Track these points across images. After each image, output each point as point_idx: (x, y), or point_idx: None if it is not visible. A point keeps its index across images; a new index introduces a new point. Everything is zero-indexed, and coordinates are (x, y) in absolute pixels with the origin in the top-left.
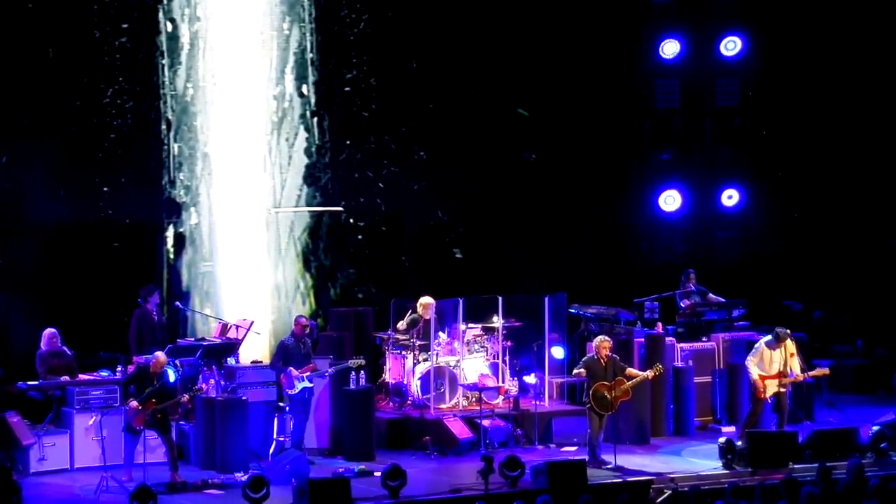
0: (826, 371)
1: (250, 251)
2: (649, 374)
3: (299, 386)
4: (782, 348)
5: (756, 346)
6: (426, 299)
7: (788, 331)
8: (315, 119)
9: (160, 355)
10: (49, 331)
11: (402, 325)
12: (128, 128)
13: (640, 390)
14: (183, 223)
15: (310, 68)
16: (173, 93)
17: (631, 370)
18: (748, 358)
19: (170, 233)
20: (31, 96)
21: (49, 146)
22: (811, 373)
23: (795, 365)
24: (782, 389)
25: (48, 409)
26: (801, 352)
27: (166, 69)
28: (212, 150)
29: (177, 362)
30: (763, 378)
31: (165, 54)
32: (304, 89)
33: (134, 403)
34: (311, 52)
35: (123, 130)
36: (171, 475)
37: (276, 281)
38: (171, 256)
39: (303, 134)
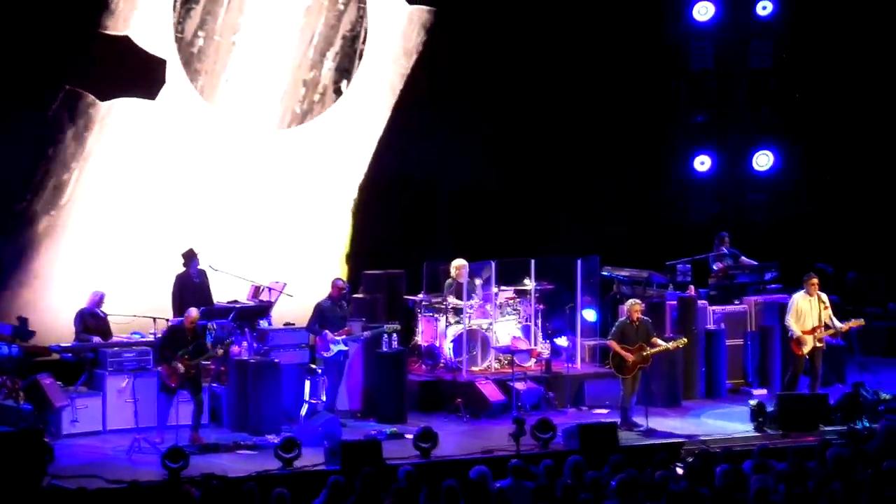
0: (861, 321)
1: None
2: (671, 345)
3: (335, 349)
4: (815, 301)
5: (790, 302)
6: (459, 261)
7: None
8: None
9: (192, 311)
10: (99, 292)
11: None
12: None
13: (672, 353)
14: None
15: (356, 60)
16: (180, 35)
17: (656, 339)
18: (786, 317)
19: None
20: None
21: None
22: (848, 323)
23: (832, 316)
24: (819, 345)
25: (81, 371)
26: (835, 313)
27: (178, 5)
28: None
29: (210, 324)
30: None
31: None
32: (345, 85)
33: (180, 366)
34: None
35: None
36: (192, 435)
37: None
38: None
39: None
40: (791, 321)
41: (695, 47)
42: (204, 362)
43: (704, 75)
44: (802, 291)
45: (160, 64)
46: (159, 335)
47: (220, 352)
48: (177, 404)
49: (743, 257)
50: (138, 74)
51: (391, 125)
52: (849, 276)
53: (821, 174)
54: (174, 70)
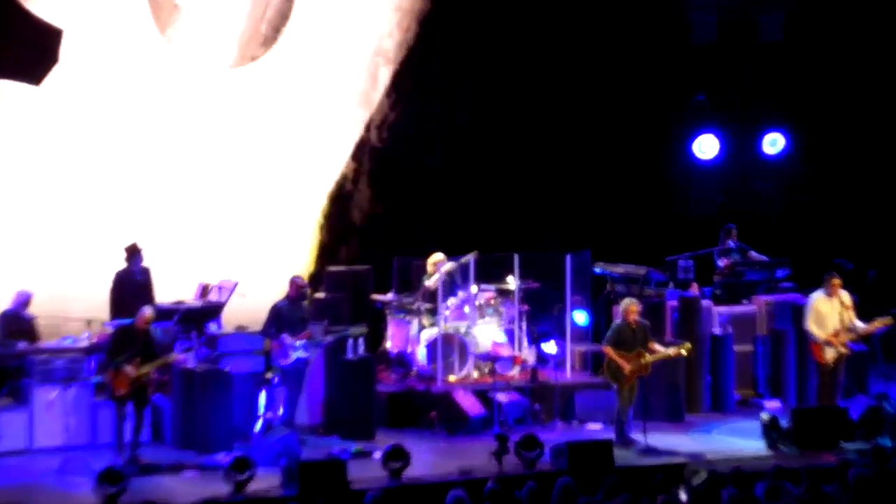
0: (889, 320)
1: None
2: (672, 351)
3: (293, 355)
4: (836, 302)
5: (808, 304)
6: (437, 256)
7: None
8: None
9: (147, 310)
10: (25, 292)
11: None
12: None
13: (674, 361)
14: None
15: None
16: None
17: (654, 345)
18: (805, 321)
19: None
20: None
21: None
22: (874, 324)
23: (855, 318)
24: (843, 350)
25: (3, 381)
26: (857, 315)
27: None
28: None
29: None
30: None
31: None
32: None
33: (131, 369)
34: None
35: None
36: (130, 453)
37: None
38: None
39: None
40: (812, 326)
41: (697, 19)
42: (154, 369)
43: (708, 50)
44: (821, 292)
45: (54, 36)
46: (95, 340)
47: (176, 357)
48: (113, 419)
49: (752, 252)
50: (21, 49)
51: (374, 111)
52: (869, 274)
53: (837, 160)
54: (78, 41)
